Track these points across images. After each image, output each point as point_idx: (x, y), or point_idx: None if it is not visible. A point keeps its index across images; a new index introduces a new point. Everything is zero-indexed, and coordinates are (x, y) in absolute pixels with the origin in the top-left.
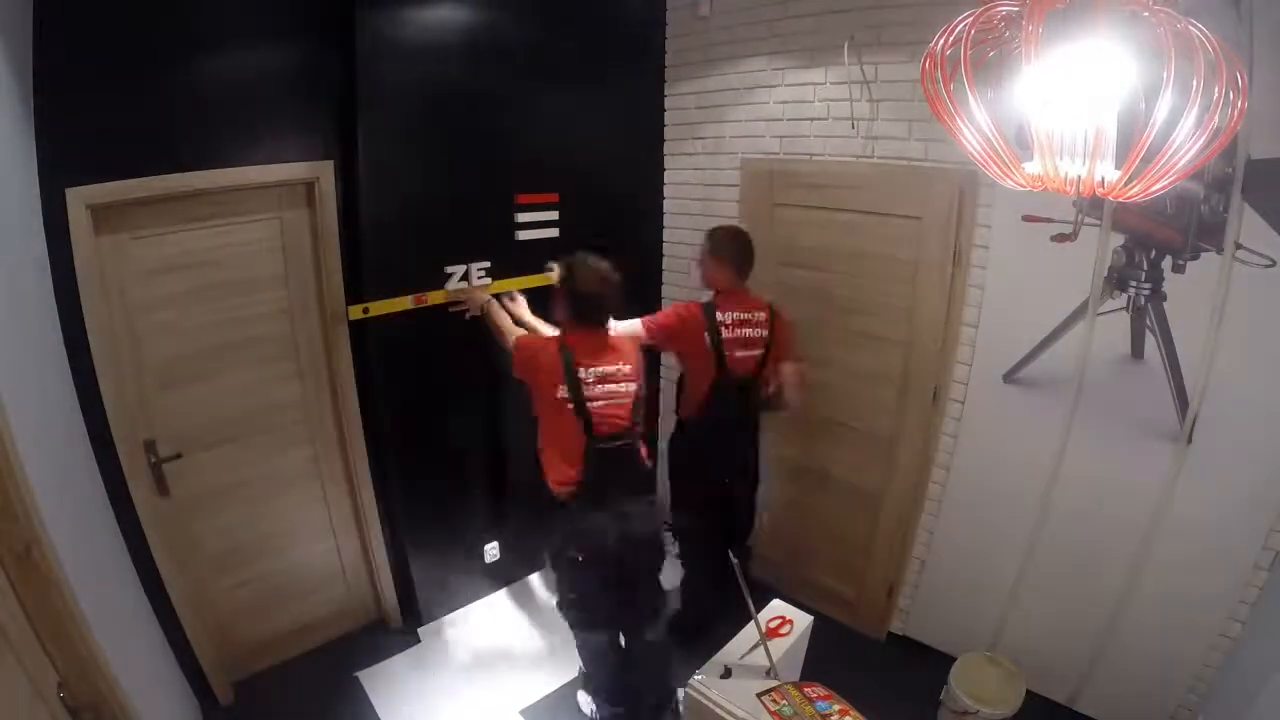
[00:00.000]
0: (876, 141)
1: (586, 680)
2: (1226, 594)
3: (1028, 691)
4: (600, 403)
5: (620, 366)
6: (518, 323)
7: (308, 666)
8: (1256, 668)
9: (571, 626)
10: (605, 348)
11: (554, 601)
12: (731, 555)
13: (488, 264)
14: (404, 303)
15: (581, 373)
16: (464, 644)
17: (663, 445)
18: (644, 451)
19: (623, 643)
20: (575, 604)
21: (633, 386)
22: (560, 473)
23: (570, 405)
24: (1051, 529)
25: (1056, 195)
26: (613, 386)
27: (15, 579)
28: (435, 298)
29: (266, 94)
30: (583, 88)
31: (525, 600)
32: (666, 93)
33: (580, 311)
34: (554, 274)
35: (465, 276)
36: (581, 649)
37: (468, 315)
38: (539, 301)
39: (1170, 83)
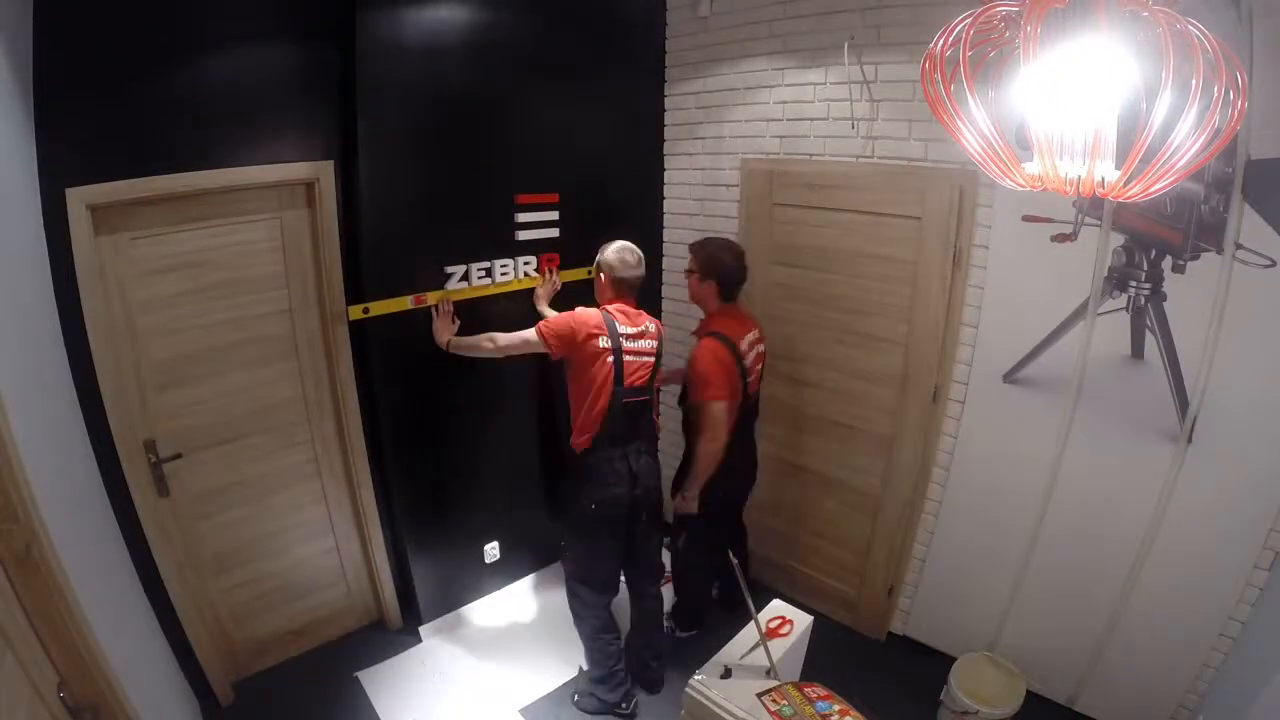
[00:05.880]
0: (876, 141)
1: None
2: (1226, 594)
3: (1028, 691)
4: (629, 357)
5: (646, 326)
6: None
7: (308, 666)
8: (1256, 668)
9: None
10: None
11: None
12: (731, 555)
13: (488, 264)
14: (404, 303)
15: (619, 327)
16: (464, 644)
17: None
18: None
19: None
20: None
21: (655, 344)
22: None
23: (609, 354)
24: (1051, 529)
25: (1056, 195)
26: (643, 344)
27: (15, 579)
28: (435, 298)
29: (266, 94)
30: (583, 87)
31: (525, 600)
32: (666, 93)
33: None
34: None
35: (465, 276)
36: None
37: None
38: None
39: (1169, 82)
